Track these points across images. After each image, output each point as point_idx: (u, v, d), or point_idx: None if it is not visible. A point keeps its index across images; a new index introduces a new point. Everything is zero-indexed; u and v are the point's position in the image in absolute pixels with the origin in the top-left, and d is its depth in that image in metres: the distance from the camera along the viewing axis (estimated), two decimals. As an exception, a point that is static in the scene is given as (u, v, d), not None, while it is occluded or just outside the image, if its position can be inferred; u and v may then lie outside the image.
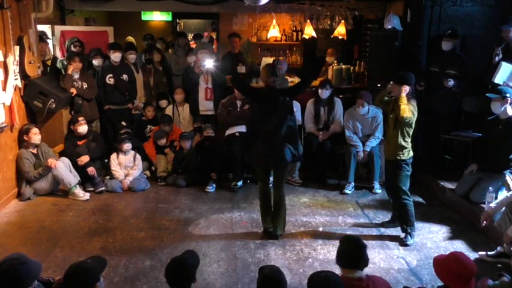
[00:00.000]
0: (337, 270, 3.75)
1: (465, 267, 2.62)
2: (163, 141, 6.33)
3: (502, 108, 4.61)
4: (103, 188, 5.72)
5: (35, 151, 5.50)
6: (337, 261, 2.78)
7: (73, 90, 5.97)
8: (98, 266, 2.58)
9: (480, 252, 4.14)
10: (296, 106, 6.19)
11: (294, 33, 9.77)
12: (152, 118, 6.65)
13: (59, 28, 7.32)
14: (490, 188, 4.46)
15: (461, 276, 2.60)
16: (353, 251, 2.70)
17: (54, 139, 6.06)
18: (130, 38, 8.59)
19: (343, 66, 7.27)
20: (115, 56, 6.45)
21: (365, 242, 2.84)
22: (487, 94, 4.71)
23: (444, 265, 2.68)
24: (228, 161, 5.99)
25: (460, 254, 2.78)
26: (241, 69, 7.09)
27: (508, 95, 4.57)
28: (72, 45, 6.75)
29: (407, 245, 4.35)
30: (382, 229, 4.74)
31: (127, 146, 5.89)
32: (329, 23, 8.13)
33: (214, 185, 5.86)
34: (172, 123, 6.51)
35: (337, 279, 2.45)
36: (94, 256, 2.78)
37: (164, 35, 9.55)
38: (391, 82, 4.37)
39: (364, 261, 2.70)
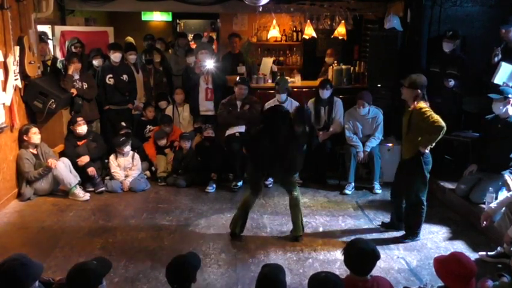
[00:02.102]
0: (337, 271, 3.76)
1: (465, 268, 2.62)
2: (163, 142, 6.33)
3: (504, 109, 4.60)
4: (103, 188, 5.73)
5: (35, 151, 5.50)
6: (347, 265, 2.73)
7: (73, 91, 5.97)
8: (102, 268, 2.58)
9: (480, 253, 4.14)
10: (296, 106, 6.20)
11: (294, 34, 9.76)
12: (152, 118, 6.65)
13: (59, 28, 7.32)
14: (490, 188, 4.46)
15: (462, 276, 2.60)
16: (368, 263, 2.65)
17: (54, 139, 6.06)
18: (130, 39, 8.59)
19: (343, 67, 7.27)
20: (115, 57, 6.45)
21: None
22: (489, 95, 4.69)
23: (445, 265, 2.68)
24: (228, 161, 6.00)
25: (460, 254, 2.78)
26: (241, 69, 7.09)
27: (510, 95, 4.56)
28: (73, 47, 6.75)
29: (404, 242, 4.38)
30: (382, 229, 4.74)
31: (127, 149, 5.89)
32: (329, 23, 8.12)
33: (214, 185, 5.86)
34: (172, 123, 6.51)
35: (337, 280, 2.45)
36: (99, 258, 2.78)
37: (164, 35, 9.55)
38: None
39: (373, 268, 2.69)
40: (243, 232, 4.53)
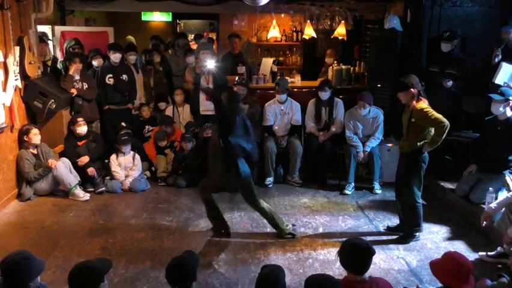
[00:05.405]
0: (337, 271, 3.76)
1: (462, 265, 2.64)
2: (163, 143, 6.33)
3: (503, 110, 4.60)
4: (103, 189, 5.73)
5: (35, 151, 5.50)
6: (344, 264, 2.71)
7: (74, 91, 5.97)
8: (104, 267, 2.60)
9: (480, 253, 4.15)
10: (296, 106, 6.21)
11: (294, 34, 9.78)
12: (149, 118, 6.65)
13: (59, 29, 7.33)
14: (490, 188, 4.46)
15: (461, 273, 2.62)
16: (363, 258, 2.64)
17: (54, 139, 6.07)
18: (131, 38, 8.59)
19: (343, 67, 7.27)
20: (115, 57, 6.45)
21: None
22: (489, 95, 4.68)
23: (441, 266, 2.69)
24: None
25: (455, 253, 2.81)
26: (241, 69, 7.09)
27: (511, 97, 4.56)
28: (71, 49, 6.75)
29: (406, 243, 4.38)
30: (382, 230, 4.74)
31: (127, 148, 5.89)
32: (328, 23, 8.14)
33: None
34: (173, 124, 6.51)
35: (334, 280, 2.45)
36: (100, 258, 2.81)
37: (165, 36, 9.55)
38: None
39: (369, 266, 2.69)
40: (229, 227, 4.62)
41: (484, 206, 4.50)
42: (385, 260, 4.09)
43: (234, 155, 4.23)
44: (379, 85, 6.60)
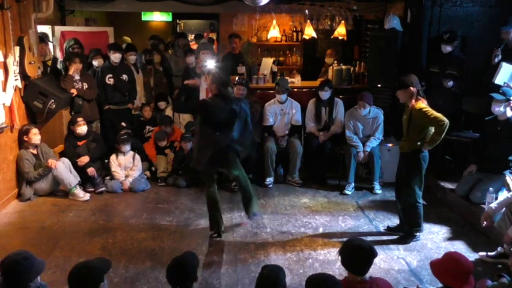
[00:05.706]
0: (337, 271, 3.76)
1: (463, 265, 2.65)
2: (163, 142, 6.33)
3: (503, 110, 4.60)
4: (103, 189, 5.73)
5: (35, 151, 5.50)
6: (344, 264, 2.70)
7: (74, 91, 5.97)
8: (104, 267, 2.60)
9: (480, 253, 4.15)
10: (296, 106, 6.21)
11: (294, 34, 9.78)
12: (150, 118, 6.65)
13: (59, 29, 7.32)
14: (490, 188, 4.46)
15: (461, 273, 2.63)
16: (365, 259, 2.63)
17: (54, 139, 6.06)
18: (127, 38, 8.57)
19: (343, 67, 7.27)
20: (115, 57, 6.45)
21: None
22: (491, 94, 4.68)
23: (441, 266, 2.70)
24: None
25: (455, 253, 2.81)
26: (241, 69, 7.09)
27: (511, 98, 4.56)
28: (70, 48, 6.75)
29: (406, 243, 4.38)
30: (382, 230, 4.74)
31: (126, 147, 5.89)
32: (329, 23, 8.14)
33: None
34: (173, 124, 6.51)
35: (335, 280, 2.45)
36: (98, 258, 2.81)
37: (165, 36, 9.55)
38: None
39: (370, 267, 2.69)
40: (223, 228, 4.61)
41: (484, 206, 4.50)
42: (385, 260, 4.09)
43: (222, 144, 4.30)
44: (379, 85, 6.60)
